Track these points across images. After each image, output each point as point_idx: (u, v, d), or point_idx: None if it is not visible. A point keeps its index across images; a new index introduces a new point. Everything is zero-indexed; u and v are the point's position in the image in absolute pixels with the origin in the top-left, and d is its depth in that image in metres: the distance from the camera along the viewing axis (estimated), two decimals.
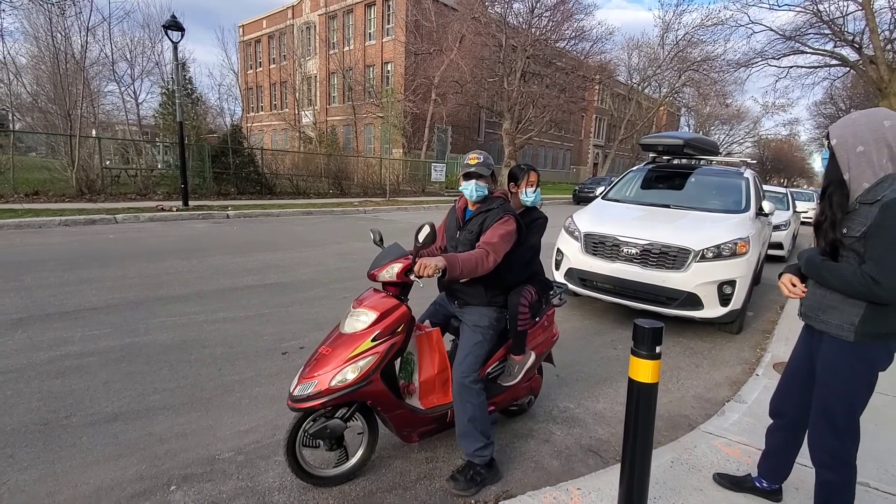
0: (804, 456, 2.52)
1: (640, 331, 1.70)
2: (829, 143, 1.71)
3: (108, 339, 3.77)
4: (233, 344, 3.84)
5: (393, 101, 26.55)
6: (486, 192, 2.39)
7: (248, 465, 2.38)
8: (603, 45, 27.62)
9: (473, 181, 2.35)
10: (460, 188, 2.44)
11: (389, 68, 31.69)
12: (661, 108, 37.99)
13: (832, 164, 1.71)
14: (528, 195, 2.67)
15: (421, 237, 2.17)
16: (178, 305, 4.65)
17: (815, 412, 1.82)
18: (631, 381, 1.75)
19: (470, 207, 2.49)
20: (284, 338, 4.03)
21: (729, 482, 2.25)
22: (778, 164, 63.56)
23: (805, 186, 64.44)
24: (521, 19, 24.95)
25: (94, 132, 15.31)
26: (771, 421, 2.13)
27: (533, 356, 2.65)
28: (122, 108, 23.68)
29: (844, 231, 1.66)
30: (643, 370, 1.70)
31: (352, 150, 29.02)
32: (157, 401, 2.93)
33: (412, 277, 2.15)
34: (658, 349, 1.70)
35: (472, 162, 2.35)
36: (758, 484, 2.20)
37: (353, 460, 2.31)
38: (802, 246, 11.85)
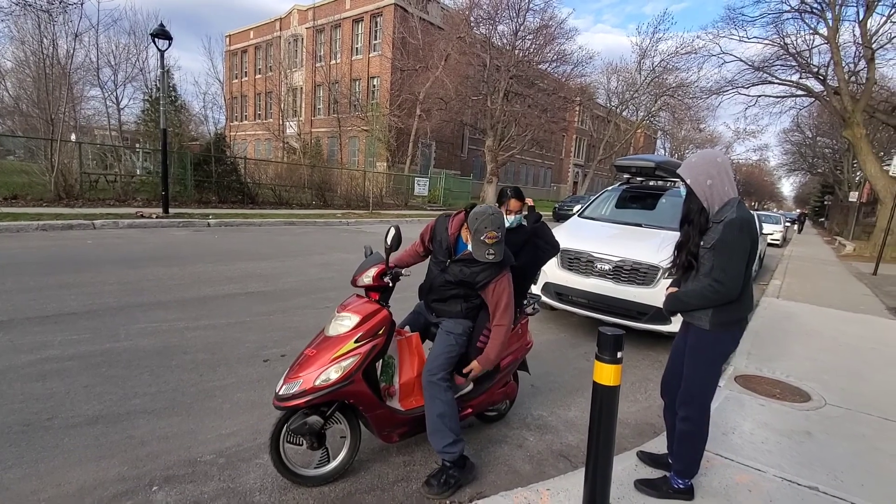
0: (756, 460, 2.71)
1: (604, 338, 1.85)
2: (685, 182, 2.18)
3: (89, 343, 3.78)
4: (214, 351, 3.88)
5: (378, 116, 26.82)
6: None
7: (230, 468, 2.44)
8: (583, 68, 28.49)
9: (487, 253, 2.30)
10: (469, 247, 2.38)
11: (375, 83, 32.04)
12: (639, 131, 39.19)
13: (692, 197, 2.18)
14: (508, 220, 2.82)
15: (388, 240, 2.43)
16: (158, 312, 4.66)
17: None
18: (595, 385, 1.90)
19: (465, 240, 2.48)
20: (266, 345, 4.08)
21: (648, 486, 2.37)
22: (749, 187, 65.87)
23: (775, 209, 66.85)
24: (505, 41, 25.60)
25: (73, 137, 15.10)
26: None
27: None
28: (103, 112, 23.36)
29: (702, 244, 2.16)
30: (606, 374, 1.86)
31: (336, 162, 29.06)
32: (138, 405, 2.96)
33: (385, 279, 2.43)
34: (619, 354, 1.85)
35: (491, 242, 2.27)
36: (673, 483, 2.32)
37: (335, 462, 2.40)
38: (770, 266, 12.33)
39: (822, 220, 46.10)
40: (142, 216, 10.78)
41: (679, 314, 2.33)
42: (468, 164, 37.53)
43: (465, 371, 2.53)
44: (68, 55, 13.54)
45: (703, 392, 2.23)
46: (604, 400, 1.88)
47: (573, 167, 50.71)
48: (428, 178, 23.68)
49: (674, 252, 2.39)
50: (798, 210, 51.09)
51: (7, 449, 2.40)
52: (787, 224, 24.52)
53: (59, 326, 4.05)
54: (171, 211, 11.73)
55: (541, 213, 3.25)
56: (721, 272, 2.05)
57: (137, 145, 19.60)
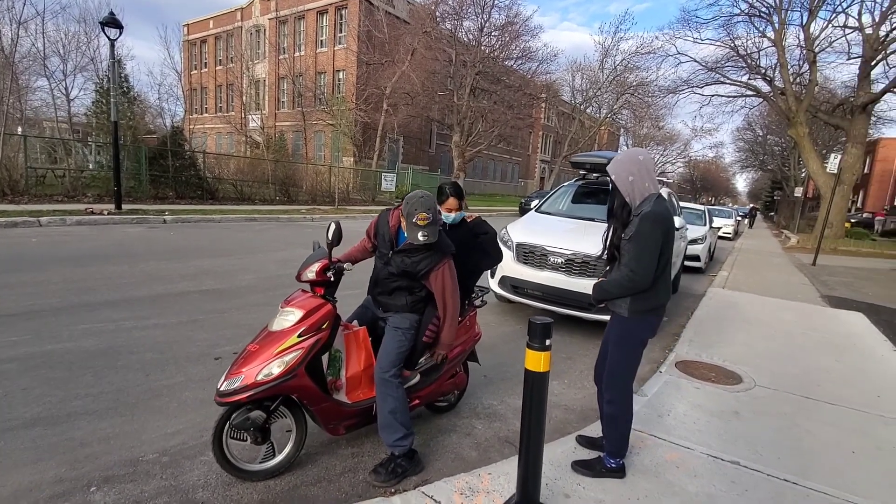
0: (686, 439, 2.89)
1: (534, 326, 1.95)
2: (611, 178, 2.31)
3: (28, 345, 3.64)
4: (163, 350, 3.81)
5: (344, 110, 26.47)
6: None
7: (173, 466, 2.42)
8: (548, 65, 29.01)
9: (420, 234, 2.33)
10: (406, 234, 2.44)
11: (341, 76, 31.59)
12: (602, 128, 40.09)
13: (616, 192, 2.31)
14: (446, 217, 2.81)
15: (330, 235, 2.47)
16: (105, 311, 4.53)
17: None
18: (526, 371, 1.99)
19: (404, 230, 2.51)
20: (218, 343, 4.03)
21: (584, 466, 2.50)
22: (706, 183, 68.60)
23: (730, 204, 69.82)
24: (471, 36, 25.73)
25: (19, 129, 14.31)
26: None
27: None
28: (51, 104, 22.14)
29: (623, 235, 2.30)
30: (535, 360, 1.95)
31: (300, 157, 28.57)
32: (79, 406, 2.89)
33: (328, 274, 2.49)
34: (548, 342, 1.95)
35: (423, 224, 2.31)
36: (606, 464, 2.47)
37: (280, 456, 2.41)
38: (720, 259, 12.92)
39: (772, 214, 48.39)
40: (92, 213, 10.34)
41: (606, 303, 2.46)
42: (436, 159, 37.54)
43: (434, 358, 2.66)
44: (12, 43, 12.79)
45: (623, 375, 2.41)
46: (534, 385, 1.98)
47: (540, 163, 51.46)
48: (395, 173, 23.55)
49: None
50: (750, 205, 53.51)
51: None
52: (739, 218, 25.67)
53: None
54: (125, 207, 11.31)
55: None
56: (635, 262, 2.20)
57: (89, 138, 18.74)
